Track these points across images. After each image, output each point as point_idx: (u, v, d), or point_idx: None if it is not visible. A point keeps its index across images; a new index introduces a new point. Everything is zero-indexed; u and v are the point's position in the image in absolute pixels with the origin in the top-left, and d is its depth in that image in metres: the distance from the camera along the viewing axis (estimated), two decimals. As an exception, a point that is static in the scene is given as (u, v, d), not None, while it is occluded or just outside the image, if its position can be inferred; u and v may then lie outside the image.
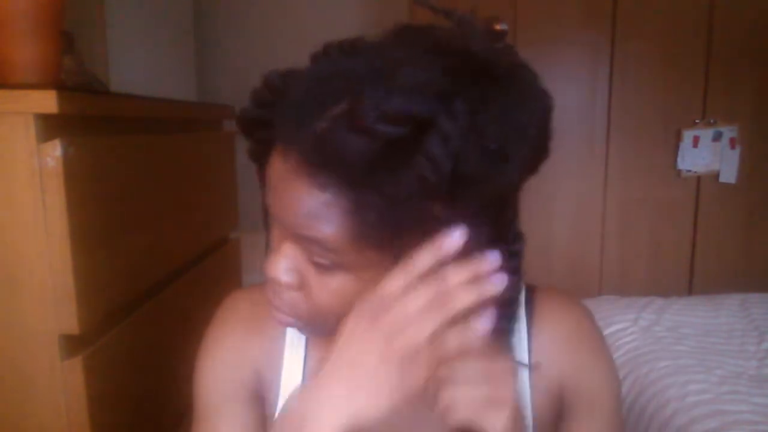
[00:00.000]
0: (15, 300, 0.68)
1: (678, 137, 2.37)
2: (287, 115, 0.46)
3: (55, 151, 0.66)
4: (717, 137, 2.35)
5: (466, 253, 0.46)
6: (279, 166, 0.47)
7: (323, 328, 0.53)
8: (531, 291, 0.63)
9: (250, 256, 1.48)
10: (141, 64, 1.56)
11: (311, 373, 0.62)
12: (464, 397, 0.45)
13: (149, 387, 0.93)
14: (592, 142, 2.39)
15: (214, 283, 1.26)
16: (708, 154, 2.36)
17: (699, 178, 2.40)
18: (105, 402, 0.76)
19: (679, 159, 2.37)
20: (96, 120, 0.79)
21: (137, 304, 0.89)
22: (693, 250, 2.44)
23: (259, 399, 0.64)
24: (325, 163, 0.43)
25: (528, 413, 0.60)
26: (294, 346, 0.63)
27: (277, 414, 0.61)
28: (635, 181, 2.41)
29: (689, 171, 2.38)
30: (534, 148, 0.47)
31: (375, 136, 0.41)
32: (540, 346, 0.60)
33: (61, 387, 0.70)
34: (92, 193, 0.74)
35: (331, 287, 0.49)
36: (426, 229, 0.45)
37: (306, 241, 0.48)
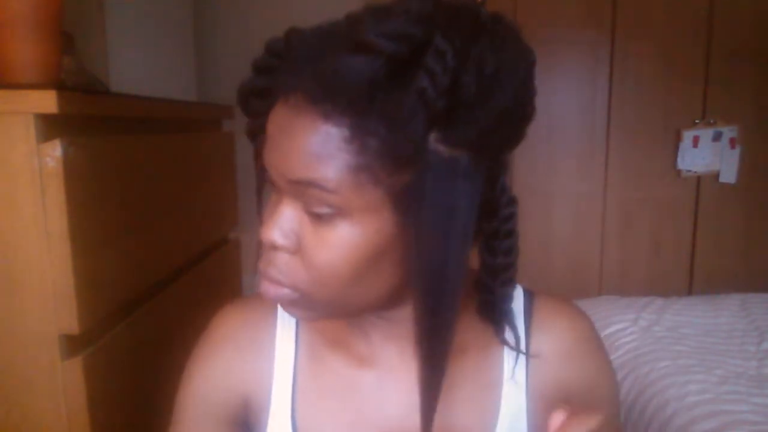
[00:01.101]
0: (15, 300, 0.68)
1: (678, 137, 2.37)
2: (289, 65, 0.47)
3: (55, 151, 0.66)
4: (717, 137, 2.35)
5: (458, 210, 0.47)
6: (279, 114, 0.47)
7: (319, 300, 0.51)
8: (530, 297, 0.63)
9: (250, 256, 1.48)
10: (141, 64, 1.56)
11: (301, 390, 0.61)
12: None
13: (149, 387, 0.93)
14: (592, 142, 2.39)
15: (214, 283, 1.26)
16: (708, 154, 2.36)
17: (699, 178, 2.40)
18: (105, 402, 0.76)
19: (679, 159, 2.37)
20: (96, 120, 0.79)
21: (137, 304, 0.89)
22: (693, 250, 2.44)
23: (243, 423, 0.63)
24: (327, 91, 0.44)
25: (524, 421, 0.60)
26: (283, 366, 0.62)
27: None
28: (635, 181, 2.41)
29: (689, 171, 2.38)
30: (523, 85, 0.48)
31: (377, 52, 0.42)
32: (539, 352, 0.60)
33: (61, 387, 0.70)
34: (92, 193, 0.74)
35: (330, 240, 0.48)
36: (424, 166, 0.45)
37: (306, 187, 0.47)
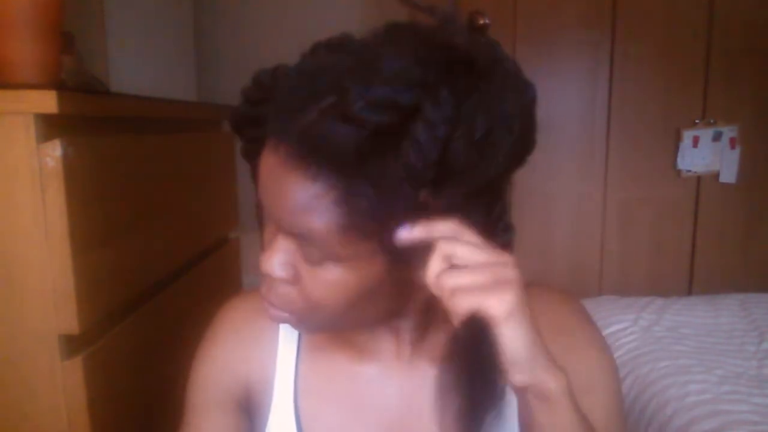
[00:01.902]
0: (15, 300, 0.68)
1: (678, 137, 2.36)
2: (276, 110, 0.47)
3: (55, 151, 0.66)
4: (717, 137, 2.35)
5: None
6: (270, 161, 0.47)
7: (317, 323, 0.54)
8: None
9: (250, 256, 1.48)
10: (141, 64, 1.56)
11: (303, 383, 0.63)
12: (468, 283, 0.44)
13: (149, 387, 0.93)
14: (592, 142, 2.39)
15: (214, 283, 1.26)
16: (708, 154, 2.35)
17: (699, 178, 2.40)
18: (105, 402, 0.76)
19: (679, 159, 2.37)
20: (96, 120, 0.79)
21: (137, 304, 0.89)
22: (693, 250, 2.44)
23: (246, 412, 0.65)
24: (315, 154, 0.44)
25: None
26: (286, 358, 0.64)
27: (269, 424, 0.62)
28: (635, 181, 2.41)
29: (689, 171, 2.38)
30: (519, 138, 0.47)
31: (362, 124, 0.42)
32: None
33: (61, 387, 0.70)
34: (92, 193, 0.74)
35: (323, 279, 0.49)
36: (414, 219, 0.45)
37: (297, 235, 0.48)
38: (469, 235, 0.46)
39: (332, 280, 0.49)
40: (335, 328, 0.57)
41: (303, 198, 0.45)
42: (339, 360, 0.63)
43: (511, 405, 0.59)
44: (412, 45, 0.45)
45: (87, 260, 0.71)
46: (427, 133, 0.42)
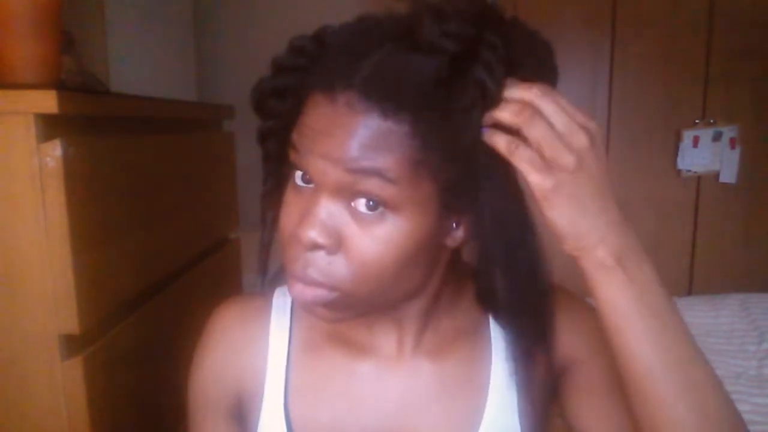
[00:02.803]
0: (15, 300, 0.68)
1: (678, 137, 2.36)
2: (331, 62, 0.48)
3: (55, 151, 0.66)
4: (717, 137, 2.35)
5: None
6: (325, 111, 0.47)
7: (360, 295, 0.51)
8: None
9: (250, 256, 1.48)
10: (141, 64, 1.56)
11: (295, 383, 0.62)
12: (547, 131, 0.46)
13: (149, 387, 0.93)
14: (592, 142, 2.39)
15: (214, 283, 1.26)
16: (708, 154, 2.35)
17: (699, 178, 2.40)
18: (105, 402, 0.76)
19: (679, 159, 2.37)
20: (96, 120, 0.79)
21: (137, 304, 0.89)
22: (693, 250, 2.44)
23: (239, 417, 0.65)
24: (389, 90, 0.45)
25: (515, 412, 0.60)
26: (277, 360, 0.63)
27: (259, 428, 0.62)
28: (635, 181, 2.41)
29: (689, 171, 2.38)
30: (554, 72, 0.53)
31: (441, 51, 0.45)
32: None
33: (61, 387, 0.70)
34: (92, 193, 0.74)
35: (379, 236, 0.48)
36: (480, 160, 0.47)
37: (366, 177, 0.46)
38: (560, 97, 0.48)
39: (385, 236, 0.48)
40: (373, 305, 0.53)
41: (376, 136, 0.45)
42: (335, 357, 0.62)
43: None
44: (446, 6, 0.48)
45: (87, 260, 0.71)
46: (493, 55, 0.45)
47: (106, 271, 0.77)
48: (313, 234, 0.48)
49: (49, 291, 0.68)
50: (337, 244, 0.49)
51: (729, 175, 2.36)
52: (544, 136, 0.45)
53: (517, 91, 0.46)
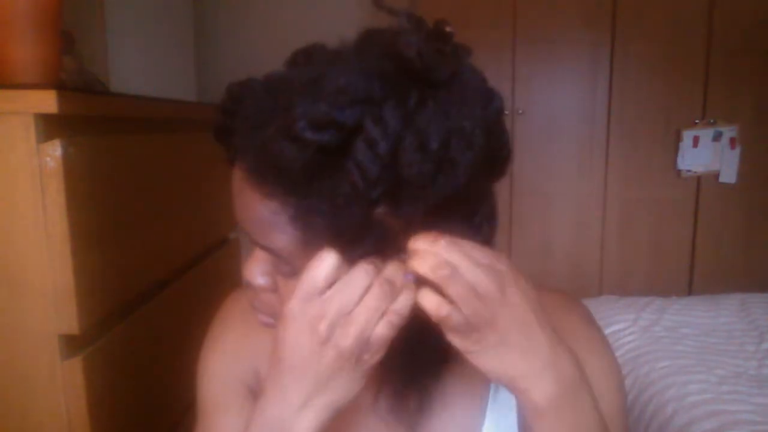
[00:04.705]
0: (15, 300, 0.68)
1: (678, 137, 2.37)
2: (239, 127, 0.49)
3: (55, 151, 0.66)
4: (717, 137, 2.35)
5: None
6: (237, 174, 0.49)
7: None
8: None
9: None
10: (141, 64, 1.56)
11: None
12: (464, 288, 0.44)
13: (149, 387, 0.93)
14: (592, 142, 2.39)
15: (214, 283, 1.26)
16: (708, 154, 2.36)
17: (699, 178, 2.40)
18: (105, 402, 0.76)
19: (679, 159, 2.37)
20: (96, 120, 0.79)
21: (137, 304, 0.89)
22: (693, 250, 2.44)
23: (256, 397, 0.65)
24: (267, 173, 0.45)
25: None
26: None
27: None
28: (635, 181, 2.41)
29: (689, 171, 2.38)
30: (483, 150, 0.46)
31: (305, 143, 0.42)
32: None
33: (61, 387, 0.70)
34: (92, 193, 0.74)
35: (293, 286, 0.49)
36: (376, 234, 0.45)
37: (265, 249, 0.49)
38: (465, 245, 0.46)
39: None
40: None
41: (262, 215, 0.47)
42: None
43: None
44: (369, 56, 0.45)
45: (87, 260, 0.71)
46: (367, 151, 0.42)
47: (106, 271, 0.77)
48: (250, 277, 0.52)
49: (49, 291, 0.68)
50: (275, 285, 0.52)
51: (729, 175, 2.36)
52: (461, 295, 0.44)
53: (424, 244, 0.45)
